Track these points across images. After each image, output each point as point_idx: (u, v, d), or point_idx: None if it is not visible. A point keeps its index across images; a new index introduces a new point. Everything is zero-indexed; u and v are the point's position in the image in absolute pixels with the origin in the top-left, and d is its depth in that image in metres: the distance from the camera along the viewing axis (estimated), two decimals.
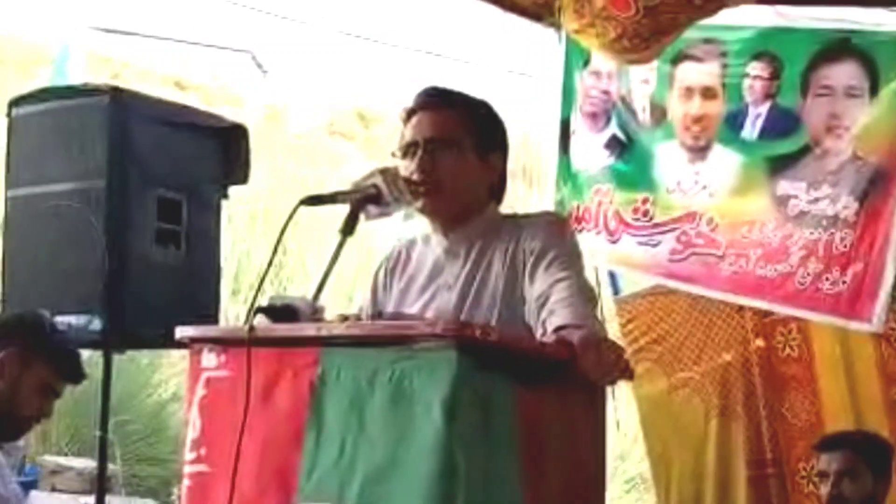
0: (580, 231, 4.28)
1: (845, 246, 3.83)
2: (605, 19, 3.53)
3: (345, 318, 2.09)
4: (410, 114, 2.32)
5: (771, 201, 4.02)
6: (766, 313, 4.35)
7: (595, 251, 4.28)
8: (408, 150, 2.30)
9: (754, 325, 4.50)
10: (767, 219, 4.02)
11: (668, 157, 4.29)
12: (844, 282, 3.81)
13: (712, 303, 4.43)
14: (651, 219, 4.29)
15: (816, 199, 3.92)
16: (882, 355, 4.22)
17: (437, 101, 2.33)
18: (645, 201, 4.32)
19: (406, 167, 2.28)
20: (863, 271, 3.77)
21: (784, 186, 4.00)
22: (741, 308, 4.40)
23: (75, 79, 5.41)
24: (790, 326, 4.40)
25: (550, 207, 4.53)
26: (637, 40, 3.56)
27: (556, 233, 2.27)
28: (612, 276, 4.75)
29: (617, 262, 4.46)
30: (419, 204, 2.28)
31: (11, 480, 2.89)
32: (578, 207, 4.49)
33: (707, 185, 4.18)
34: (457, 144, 2.28)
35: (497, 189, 2.38)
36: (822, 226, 3.89)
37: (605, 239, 4.39)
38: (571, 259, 2.22)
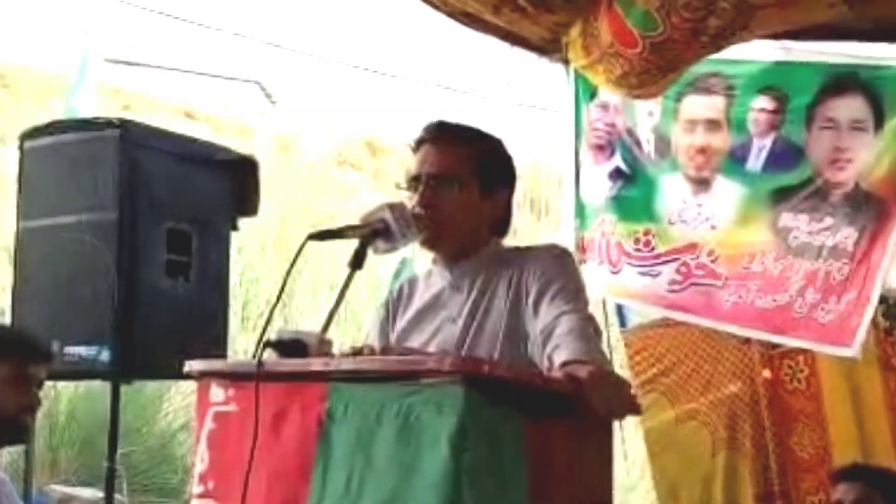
0: (583, 262, 4.29)
1: (843, 276, 3.83)
2: (613, 56, 3.55)
3: (357, 351, 2.10)
4: (418, 145, 2.35)
5: (772, 233, 4.04)
6: (774, 346, 4.35)
7: (597, 282, 4.29)
8: (412, 183, 2.33)
9: (761, 356, 4.49)
10: (768, 250, 4.03)
11: (671, 189, 4.30)
12: (839, 311, 3.82)
13: (719, 335, 4.42)
14: (652, 249, 4.30)
15: (817, 231, 3.93)
16: (890, 389, 4.21)
17: (442, 136, 2.35)
18: (647, 232, 4.33)
19: (409, 199, 2.30)
20: (854, 299, 3.78)
21: (786, 218, 4.01)
22: (748, 340, 4.40)
23: (87, 110, 5.45)
24: (797, 359, 4.39)
25: (559, 239, 4.54)
26: (644, 76, 3.58)
27: (559, 266, 2.27)
28: (620, 307, 4.75)
29: (617, 292, 4.46)
30: (421, 238, 2.30)
31: None
32: (584, 238, 4.50)
33: (709, 216, 4.19)
34: (459, 181, 2.30)
35: (501, 224, 2.39)
36: (822, 256, 3.90)
37: (608, 270, 4.40)
38: (575, 292, 2.22)
